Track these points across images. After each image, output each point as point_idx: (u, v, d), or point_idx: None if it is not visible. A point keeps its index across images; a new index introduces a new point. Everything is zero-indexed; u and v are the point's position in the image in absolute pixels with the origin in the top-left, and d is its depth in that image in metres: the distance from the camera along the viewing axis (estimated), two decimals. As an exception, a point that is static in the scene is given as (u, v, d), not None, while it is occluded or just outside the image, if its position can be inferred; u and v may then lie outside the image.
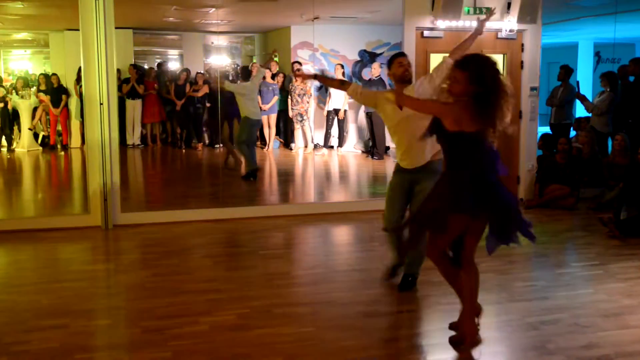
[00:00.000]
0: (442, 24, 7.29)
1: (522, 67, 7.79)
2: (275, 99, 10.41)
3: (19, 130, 11.82)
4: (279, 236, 6.59)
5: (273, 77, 10.56)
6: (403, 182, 4.56)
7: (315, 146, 10.95)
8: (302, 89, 10.63)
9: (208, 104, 11.07)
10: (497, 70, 3.52)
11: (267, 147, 10.84)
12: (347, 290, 4.72)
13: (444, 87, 3.63)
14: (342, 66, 10.86)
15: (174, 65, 13.16)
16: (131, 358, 3.66)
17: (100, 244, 6.23)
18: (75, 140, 11.61)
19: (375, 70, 10.31)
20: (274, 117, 10.60)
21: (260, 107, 9.88)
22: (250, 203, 7.84)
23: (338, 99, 10.74)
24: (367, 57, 11.13)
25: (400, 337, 3.98)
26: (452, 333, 3.89)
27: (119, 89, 10.32)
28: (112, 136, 6.60)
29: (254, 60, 12.52)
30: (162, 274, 5.15)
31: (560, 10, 9.76)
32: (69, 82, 11.67)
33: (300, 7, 9.38)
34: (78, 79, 10.61)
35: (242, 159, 9.14)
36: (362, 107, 10.92)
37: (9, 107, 11.65)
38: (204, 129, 11.47)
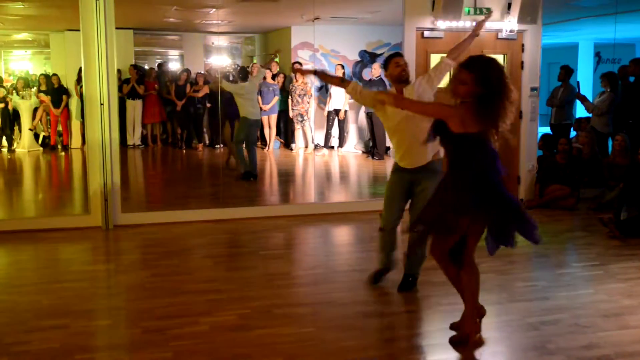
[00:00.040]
0: (443, 24, 7.29)
1: (522, 67, 7.79)
2: (276, 99, 10.41)
3: (20, 131, 11.82)
4: (280, 236, 6.59)
5: (274, 77, 10.57)
6: (403, 182, 4.55)
7: (316, 146, 10.96)
8: (302, 90, 10.64)
9: (208, 105, 11.08)
10: (503, 72, 3.54)
11: (267, 147, 10.85)
12: (347, 291, 4.71)
13: (444, 88, 3.64)
14: (343, 66, 10.87)
15: (174, 66, 13.17)
16: (132, 358, 3.67)
17: (100, 244, 6.23)
18: (75, 141, 11.61)
19: (376, 71, 10.32)
20: (274, 117, 10.61)
21: (261, 108, 9.89)
22: (250, 203, 7.83)
23: (338, 99, 10.74)
24: (368, 58, 11.14)
25: (400, 337, 3.98)
26: (453, 333, 3.89)
27: (120, 89, 10.32)
28: (113, 136, 6.60)
29: (255, 61, 12.52)
30: (163, 274, 5.15)
31: (561, 10, 9.77)
32: (69, 83, 11.67)
33: (301, 7, 9.38)
34: (78, 80, 10.60)
35: (244, 159, 9.14)
36: (363, 108, 10.92)
37: (10, 107, 11.66)
38: (204, 129, 11.48)
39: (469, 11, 7.34)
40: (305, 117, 10.78)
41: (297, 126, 10.89)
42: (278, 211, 7.29)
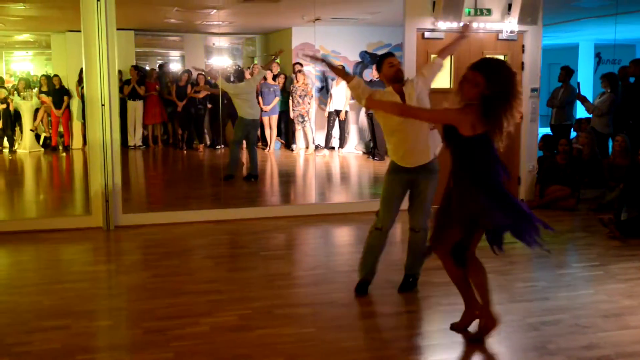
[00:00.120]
0: (443, 25, 7.30)
1: (522, 68, 7.80)
2: (277, 100, 10.42)
3: (21, 132, 11.82)
4: (280, 237, 6.60)
5: (274, 78, 10.58)
6: (402, 182, 4.53)
7: (317, 147, 10.96)
8: (303, 90, 10.64)
9: (209, 105, 11.09)
10: (514, 74, 3.57)
11: (268, 148, 10.86)
12: (347, 291, 4.71)
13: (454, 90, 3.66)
14: (343, 67, 10.85)
15: (175, 67, 13.18)
16: (133, 359, 3.68)
17: (101, 245, 6.24)
18: (76, 142, 11.61)
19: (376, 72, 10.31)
20: (275, 118, 10.61)
21: (262, 108, 9.91)
22: (251, 204, 7.84)
23: (339, 100, 10.75)
24: (368, 59, 11.14)
25: (400, 337, 3.98)
26: (453, 334, 3.92)
27: (121, 90, 10.33)
28: (114, 137, 6.62)
29: (255, 62, 12.53)
30: (164, 274, 5.16)
31: (561, 11, 9.77)
32: (70, 84, 11.67)
33: (301, 8, 9.39)
34: (80, 81, 10.61)
35: (236, 161, 9.15)
36: (363, 108, 10.92)
37: (11, 108, 11.66)
38: (205, 130, 11.49)
39: (469, 12, 7.35)
40: (306, 118, 10.78)
41: (298, 127, 10.89)
42: (279, 212, 7.30)
